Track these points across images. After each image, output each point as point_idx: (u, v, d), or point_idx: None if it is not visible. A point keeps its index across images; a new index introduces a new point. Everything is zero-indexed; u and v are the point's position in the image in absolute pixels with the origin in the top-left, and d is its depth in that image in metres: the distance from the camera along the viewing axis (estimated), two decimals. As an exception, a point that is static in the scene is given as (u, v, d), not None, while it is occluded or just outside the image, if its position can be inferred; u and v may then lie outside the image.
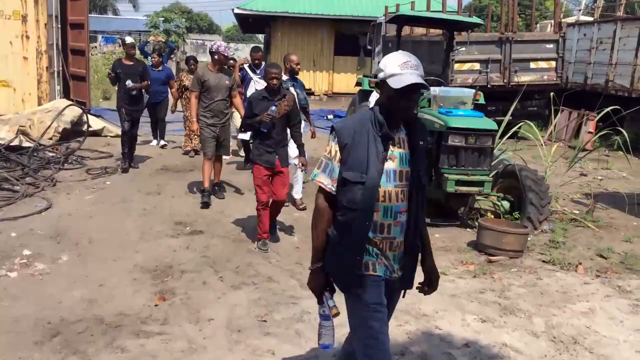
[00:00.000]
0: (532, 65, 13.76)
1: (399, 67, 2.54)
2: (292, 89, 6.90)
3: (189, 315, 4.42)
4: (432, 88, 7.96)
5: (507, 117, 8.13)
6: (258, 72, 8.66)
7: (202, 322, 4.30)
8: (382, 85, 2.63)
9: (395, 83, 2.53)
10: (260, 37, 72.91)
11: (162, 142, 11.42)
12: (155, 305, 4.56)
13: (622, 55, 13.76)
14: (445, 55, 9.47)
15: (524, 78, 13.62)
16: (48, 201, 7.19)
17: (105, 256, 5.58)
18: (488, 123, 6.80)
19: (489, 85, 13.37)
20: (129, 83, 8.90)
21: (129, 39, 9.05)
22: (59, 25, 13.00)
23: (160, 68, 10.99)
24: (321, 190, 2.72)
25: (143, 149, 10.64)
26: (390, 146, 2.63)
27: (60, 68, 13.10)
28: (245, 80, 8.85)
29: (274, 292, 4.88)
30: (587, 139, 13.25)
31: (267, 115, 5.64)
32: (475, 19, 10.01)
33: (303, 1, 24.03)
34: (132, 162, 9.34)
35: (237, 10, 23.23)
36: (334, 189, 2.66)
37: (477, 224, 6.84)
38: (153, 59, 11.17)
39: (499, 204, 7.21)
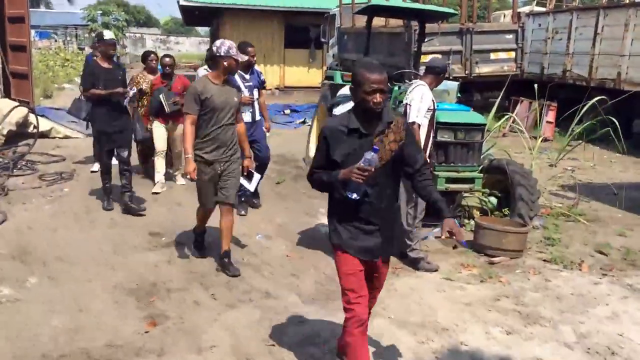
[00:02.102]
0: (492, 56, 13.72)
1: None
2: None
3: (188, 342, 3.96)
4: (415, 81, 7.67)
5: (494, 110, 7.93)
6: (248, 77, 6.73)
7: (204, 351, 3.85)
8: None
9: None
10: (200, 30, 71.91)
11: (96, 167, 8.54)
12: (146, 332, 4.08)
13: (578, 44, 13.86)
14: (417, 47, 9.19)
15: (485, 69, 13.57)
16: (2, 213, 6.51)
17: (79, 276, 5.02)
18: (477, 117, 6.55)
19: (450, 77, 13.20)
20: (132, 93, 7.14)
21: (107, 34, 6.98)
22: (-3, 20, 12.07)
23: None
24: None
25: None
26: None
27: (0, 65, 12.17)
28: None
29: (275, 311, 4.46)
30: (547, 129, 13.37)
31: (360, 172, 2.96)
32: (450, 10, 9.77)
33: (251, -8, 23.39)
34: (132, 201, 6.97)
35: (182, 2, 22.36)
36: None
37: (473, 222, 6.63)
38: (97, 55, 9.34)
39: (485, 200, 6.99)
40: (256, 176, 5.66)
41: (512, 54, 13.76)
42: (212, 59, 5.10)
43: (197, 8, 23.12)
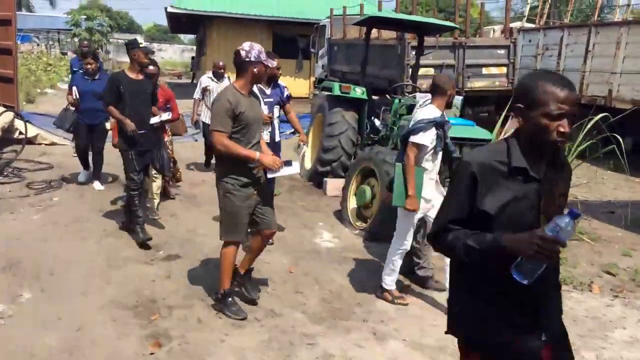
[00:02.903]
0: (484, 71, 13.68)
1: None
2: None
3: (195, 365, 3.75)
4: (418, 95, 7.56)
5: (498, 125, 7.85)
6: (269, 92, 6.06)
7: (214, 375, 3.65)
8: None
9: None
10: (183, 37, 71.51)
11: (98, 185, 8.08)
12: (151, 354, 3.86)
13: (569, 61, 13.93)
14: (415, 60, 9.11)
15: (477, 84, 13.52)
16: (-10, 223, 6.25)
17: (73, 291, 4.78)
18: (482, 132, 6.45)
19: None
20: (163, 116, 6.43)
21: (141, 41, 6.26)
22: (-17, 22, 11.74)
23: (97, 77, 7.88)
24: None
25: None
26: None
27: (-16, 69, 11.83)
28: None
29: (282, 330, 4.27)
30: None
31: (548, 244, 1.91)
32: (451, 23, 9.73)
33: (240, 1, 23.24)
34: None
35: (170, 9, 22.16)
36: None
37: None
38: (88, 65, 7.88)
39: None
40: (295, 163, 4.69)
41: (504, 69, 13.72)
42: (239, 65, 4.35)
43: (185, 15, 22.94)
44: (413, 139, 4.60)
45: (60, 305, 4.48)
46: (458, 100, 7.14)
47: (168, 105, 7.12)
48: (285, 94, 6.34)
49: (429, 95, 5.29)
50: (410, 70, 12.82)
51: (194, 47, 54.86)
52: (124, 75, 5.95)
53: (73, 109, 7.93)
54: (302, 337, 4.18)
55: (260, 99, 5.67)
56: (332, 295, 4.96)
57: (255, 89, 5.37)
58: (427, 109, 4.73)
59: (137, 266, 5.40)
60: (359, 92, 8.68)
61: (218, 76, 8.78)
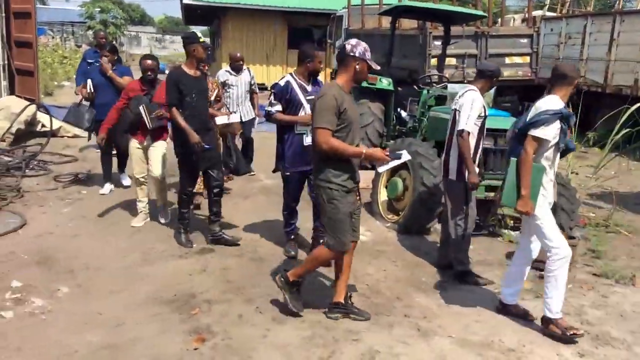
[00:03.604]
0: (507, 60, 13.50)
1: None
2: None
3: (241, 362, 3.69)
4: (450, 85, 7.45)
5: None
6: (310, 89, 5.28)
7: (261, 372, 3.58)
8: None
9: None
10: (195, 29, 71.28)
11: (127, 180, 7.72)
12: (195, 349, 3.80)
13: (593, 50, 13.69)
14: (442, 50, 8.99)
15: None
16: (21, 216, 6.22)
17: (110, 286, 4.74)
18: (518, 123, 6.32)
19: (465, 81, 13.00)
20: (232, 118, 6.10)
21: (201, 35, 5.68)
22: (3, 14, 11.73)
23: (113, 67, 7.45)
24: None
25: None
26: None
27: (6, 62, 11.84)
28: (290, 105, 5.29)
29: (325, 326, 4.19)
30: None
31: None
32: (480, 12, 9.56)
33: (255, -8, 23.12)
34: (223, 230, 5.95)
35: (186, 0, 22.07)
36: None
37: (509, 233, 6.40)
38: (106, 57, 7.42)
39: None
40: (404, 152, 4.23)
41: (527, 59, 13.54)
42: (342, 60, 4.03)
43: (200, 7, 22.85)
44: (534, 132, 4.00)
45: (99, 301, 4.43)
46: (492, 90, 6.99)
47: None
48: None
49: (470, 86, 5.18)
50: (431, 60, 12.78)
51: (206, 39, 55.01)
52: (183, 73, 5.50)
53: (88, 103, 7.48)
54: (346, 332, 4.10)
55: (301, 96, 5.20)
56: (370, 290, 4.87)
57: (295, 85, 5.19)
58: (550, 99, 4.06)
59: (172, 260, 5.35)
60: (385, 83, 8.57)
61: (236, 69, 8.04)
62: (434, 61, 13.05)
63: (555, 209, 6.33)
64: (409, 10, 8.47)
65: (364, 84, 8.69)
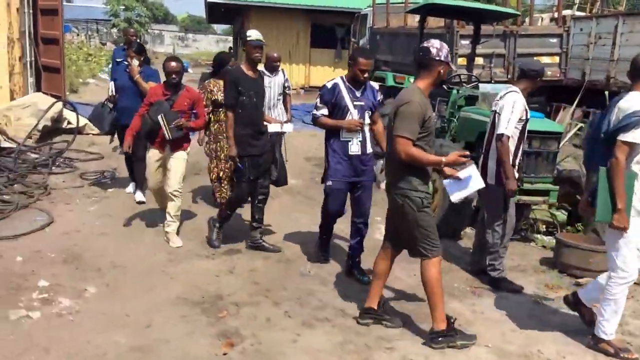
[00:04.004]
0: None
1: None
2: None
3: (271, 367, 3.60)
4: (481, 85, 7.29)
5: (568, 118, 7.53)
6: (359, 94, 4.87)
7: (292, 379, 3.49)
8: None
9: None
10: (216, 27, 71.57)
11: (140, 196, 6.97)
12: (224, 354, 3.72)
13: (624, 51, 13.36)
14: (471, 49, 8.82)
15: (528, 74, 13.09)
16: (47, 214, 6.20)
17: (137, 285, 4.68)
18: (553, 125, 6.19)
19: (492, 81, 12.79)
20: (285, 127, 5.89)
21: (254, 34, 5.28)
22: (31, 11, 11.78)
23: (140, 70, 6.80)
24: None
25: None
26: None
27: (33, 58, 11.89)
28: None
29: (356, 332, 4.09)
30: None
31: None
32: (512, 10, 9.35)
33: (278, -10, 23.05)
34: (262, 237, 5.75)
35: (210, -1, 22.12)
36: None
37: (541, 238, 6.24)
38: (131, 57, 6.80)
39: (554, 214, 6.59)
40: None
41: (557, 59, 13.26)
42: (425, 64, 3.85)
43: (224, 5, 22.84)
44: (624, 136, 3.61)
45: (126, 301, 4.37)
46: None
47: (194, 111, 5.76)
48: (378, 97, 5.06)
49: (511, 87, 4.98)
50: (458, 59, 12.59)
51: (227, 37, 55.04)
52: (242, 73, 5.27)
53: (111, 105, 6.94)
54: (379, 340, 3.99)
55: (348, 101, 4.80)
56: (403, 295, 4.76)
57: (345, 91, 4.78)
58: (635, 98, 3.70)
59: (198, 261, 5.28)
60: (413, 82, 8.40)
61: (272, 69, 7.34)
62: (460, 60, 12.87)
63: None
64: (438, 8, 8.30)
65: (392, 84, 8.61)
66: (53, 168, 8.09)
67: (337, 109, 4.82)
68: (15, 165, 7.68)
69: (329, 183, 4.92)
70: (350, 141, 4.80)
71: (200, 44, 56.13)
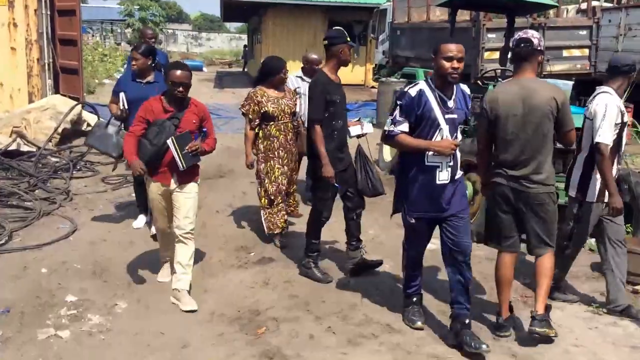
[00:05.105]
0: (565, 53, 12.87)
1: None
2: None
3: (320, 392, 3.32)
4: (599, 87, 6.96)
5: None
6: (452, 104, 3.77)
7: (344, 405, 3.21)
8: None
9: None
10: (229, 25, 71.36)
11: (141, 220, 6.05)
12: (269, 378, 3.45)
13: (656, 42, 12.96)
14: (505, 42, 8.48)
15: (557, 67, 12.71)
16: (71, 221, 5.98)
17: (170, 301, 4.41)
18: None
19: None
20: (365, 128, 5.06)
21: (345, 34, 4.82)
22: (48, 12, 11.59)
23: (150, 78, 5.59)
24: None
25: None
26: None
27: (51, 60, 11.71)
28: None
29: (406, 350, 3.80)
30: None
31: None
32: (550, 1, 8.94)
33: (295, -12, 22.78)
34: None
35: (226, -3, 21.89)
36: None
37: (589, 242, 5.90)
38: (134, 62, 5.53)
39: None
40: None
41: (586, 51, 12.89)
42: (527, 56, 3.83)
43: (241, 3, 22.60)
44: None
45: (159, 318, 4.12)
46: (568, 86, 6.50)
47: (204, 129, 4.53)
48: (470, 105, 4.05)
49: (603, 87, 4.40)
50: (484, 53, 12.24)
51: (240, 36, 54.79)
52: (328, 79, 4.68)
53: (118, 123, 5.63)
54: (431, 358, 3.70)
55: (438, 113, 3.69)
56: (448, 307, 4.45)
57: (432, 96, 3.69)
58: None
59: (231, 271, 5.03)
60: (444, 78, 8.08)
61: (313, 73, 6.01)
62: (487, 54, 12.52)
63: (638, 216, 5.85)
64: (469, 1, 7.96)
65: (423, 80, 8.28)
66: (74, 172, 7.88)
67: (422, 123, 3.70)
68: (36, 169, 7.47)
69: (411, 221, 3.90)
70: (438, 167, 3.72)
71: (214, 43, 55.91)
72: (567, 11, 17.45)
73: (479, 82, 7.88)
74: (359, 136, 5.00)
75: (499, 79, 7.77)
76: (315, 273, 4.90)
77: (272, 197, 5.56)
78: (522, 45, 3.80)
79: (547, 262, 3.97)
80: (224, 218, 6.40)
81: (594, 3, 16.83)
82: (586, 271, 5.25)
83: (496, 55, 12.76)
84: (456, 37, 12.81)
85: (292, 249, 5.51)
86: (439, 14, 15.34)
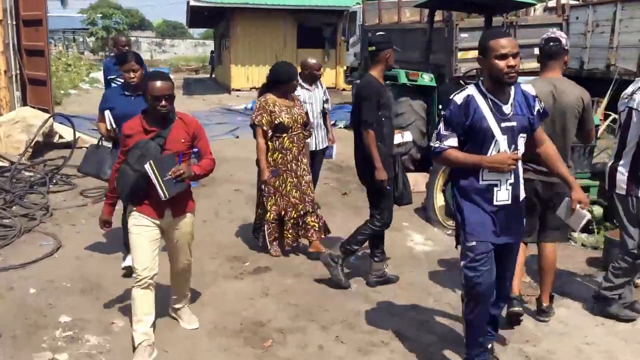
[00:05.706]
0: (537, 51, 12.96)
1: None
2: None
3: (338, 405, 3.21)
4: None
5: (602, 109, 7.24)
6: (510, 110, 3.20)
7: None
8: None
9: None
10: (192, 32, 70.58)
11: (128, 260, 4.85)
12: (283, 394, 3.33)
13: (624, 37, 13.21)
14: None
15: (529, 65, 12.79)
16: (54, 237, 5.75)
17: (169, 315, 4.25)
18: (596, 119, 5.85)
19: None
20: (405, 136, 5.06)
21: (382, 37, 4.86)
22: (14, 22, 11.25)
23: (140, 90, 4.19)
24: None
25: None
26: None
27: (18, 71, 11.36)
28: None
29: (420, 357, 3.71)
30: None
31: None
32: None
33: (262, -9, 22.61)
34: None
35: (193, 2, 21.55)
36: None
37: (586, 237, 5.93)
38: (132, 73, 4.70)
39: (590, 210, 6.27)
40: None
41: (557, 49, 13.03)
42: (556, 54, 4.00)
43: (207, 8, 22.33)
44: None
45: (160, 334, 3.94)
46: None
47: (195, 149, 3.85)
48: (537, 107, 3.32)
49: None
50: (458, 54, 12.27)
51: (205, 42, 54.23)
52: (380, 83, 4.57)
53: (110, 145, 5.08)
54: (445, 363, 3.63)
55: (493, 122, 3.13)
56: (455, 310, 4.38)
57: (483, 102, 3.14)
58: None
59: (227, 282, 4.88)
60: (427, 79, 8.12)
61: (313, 80, 6.09)
62: (461, 54, 12.54)
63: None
64: (448, 0, 7.95)
65: (404, 81, 8.24)
66: (51, 186, 7.61)
67: (474, 135, 3.18)
68: (12, 185, 7.19)
69: (472, 243, 3.20)
70: (496, 185, 3.19)
71: (178, 49, 55.28)
72: (534, 10, 17.71)
73: (461, 81, 7.87)
74: (399, 145, 4.87)
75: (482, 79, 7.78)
76: (339, 274, 4.75)
77: (282, 213, 5.33)
78: (552, 44, 3.95)
79: (552, 255, 4.15)
80: (213, 227, 6.23)
81: (562, 0, 17.13)
82: (582, 266, 5.25)
83: (470, 54, 12.85)
84: (426, 37, 12.93)
85: (288, 257, 5.38)
86: (409, 15, 15.36)
